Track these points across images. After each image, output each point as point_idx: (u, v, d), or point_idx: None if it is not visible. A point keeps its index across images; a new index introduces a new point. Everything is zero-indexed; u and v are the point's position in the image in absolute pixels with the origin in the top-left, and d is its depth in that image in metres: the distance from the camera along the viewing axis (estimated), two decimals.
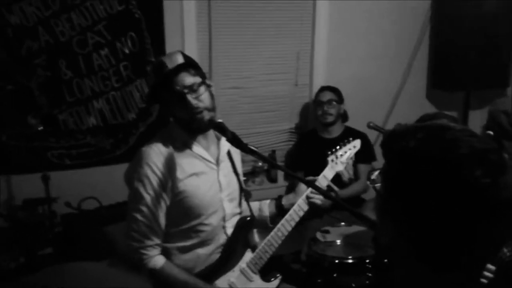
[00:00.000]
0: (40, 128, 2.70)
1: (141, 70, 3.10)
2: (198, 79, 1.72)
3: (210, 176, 1.84)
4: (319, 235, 2.79)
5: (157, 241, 1.76)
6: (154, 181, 1.72)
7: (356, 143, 2.23)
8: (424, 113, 0.83)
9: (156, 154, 1.74)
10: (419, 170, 0.75)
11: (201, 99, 1.71)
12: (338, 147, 2.18)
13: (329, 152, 2.15)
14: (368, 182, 1.94)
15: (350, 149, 2.20)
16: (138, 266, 1.76)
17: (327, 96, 3.40)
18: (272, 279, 2.03)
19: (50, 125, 2.88)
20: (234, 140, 1.63)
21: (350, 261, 2.46)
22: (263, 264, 1.96)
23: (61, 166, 2.98)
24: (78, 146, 3.03)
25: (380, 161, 3.23)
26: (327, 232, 2.84)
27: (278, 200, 2.08)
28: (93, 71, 2.99)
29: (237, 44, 3.40)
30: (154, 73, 1.75)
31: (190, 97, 1.68)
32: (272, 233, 1.93)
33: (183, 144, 1.80)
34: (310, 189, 1.95)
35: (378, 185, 0.92)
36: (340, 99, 3.43)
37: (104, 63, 3.01)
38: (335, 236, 2.78)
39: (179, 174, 1.76)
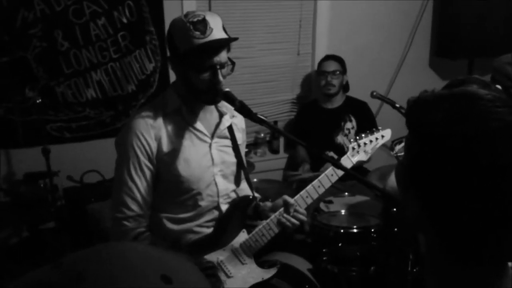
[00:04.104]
0: (39, 100, 2.64)
1: (140, 40, 3.03)
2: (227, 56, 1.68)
3: (200, 149, 1.77)
4: (322, 206, 2.78)
5: (138, 211, 1.69)
6: (138, 150, 1.67)
7: (386, 133, 2.01)
8: (454, 78, 0.75)
9: (144, 122, 1.69)
10: (445, 146, 0.69)
11: (224, 74, 1.66)
12: (363, 135, 1.98)
13: (351, 140, 1.97)
14: (392, 153, 1.87)
15: (377, 138, 1.98)
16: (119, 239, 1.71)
17: (331, 66, 3.32)
18: (268, 266, 1.88)
19: (48, 98, 2.83)
20: (243, 109, 1.57)
21: (355, 230, 2.47)
22: (259, 248, 1.85)
23: (61, 139, 2.93)
24: (78, 119, 2.98)
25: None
26: (331, 202, 2.83)
27: (257, 204, 1.93)
28: (91, 42, 2.92)
29: (237, 12, 3.32)
30: (193, 27, 1.58)
31: (219, 73, 1.63)
32: (272, 217, 1.83)
33: (175, 112, 1.73)
34: (281, 211, 1.82)
35: (401, 154, 0.85)
36: (344, 69, 3.37)
37: (101, 33, 2.93)
38: (339, 206, 2.77)
39: (166, 145, 1.70)
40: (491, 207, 0.67)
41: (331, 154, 3.35)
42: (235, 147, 1.87)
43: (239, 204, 1.89)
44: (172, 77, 2.84)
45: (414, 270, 2.39)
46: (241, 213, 1.88)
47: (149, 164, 1.70)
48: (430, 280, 0.79)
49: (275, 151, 3.64)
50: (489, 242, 0.70)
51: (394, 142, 1.94)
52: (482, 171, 0.66)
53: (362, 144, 1.96)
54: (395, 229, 2.48)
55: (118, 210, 1.70)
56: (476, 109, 0.68)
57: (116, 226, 1.71)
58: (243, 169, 1.92)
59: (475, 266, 0.72)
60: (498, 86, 1.88)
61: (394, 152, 1.87)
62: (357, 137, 1.98)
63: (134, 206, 1.69)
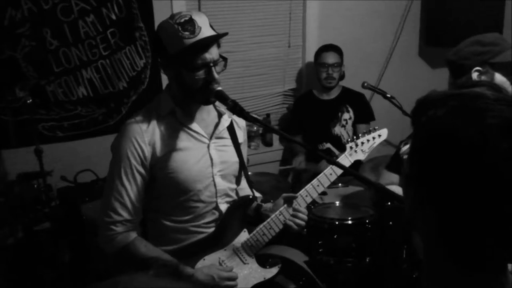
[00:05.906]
0: (29, 100, 2.62)
1: (130, 37, 3.01)
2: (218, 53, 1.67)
3: (198, 150, 1.76)
4: (317, 197, 2.80)
5: (126, 217, 1.70)
6: (131, 156, 1.68)
7: (383, 132, 2.04)
8: (465, 80, 0.75)
9: (137, 127, 1.69)
10: (443, 142, 0.69)
11: (218, 71, 1.66)
12: (360, 135, 2.02)
13: (348, 139, 2.00)
14: (400, 153, 1.89)
15: (374, 137, 2.01)
16: (106, 244, 1.72)
17: (332, 58, 3.26)
18: (270, 266, 1.89)
19: (39, 97, 2.81)
20: (235, 108, 1.57)
21: (350, 222, 2.49)
22: (260, 248, 1.86)
23: (53, 138, 2.92)
24: (70, 118, 2.96)
25: (378, 120, 3.21)
26: (325, 193, 2.85)
27: (258, 205, 1.94)
28: (80, 39, 2.89)
29: (227, 6, 3.30)
30: (181, 28, 1.59)
31: (214, 70, 1.63)
32: (273, 216, 1.83)
33: (169, 115, 1.74)
34: (282, 210, 1.83)
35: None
36: (342, 60, 3.33)
37: (90, 30, 2.91)
38: (333, 197, 2.79)
39: (161, 148, 1.71)
40: (488, 205, 0.66)
41: (328, 145, 3.36)
42: (236, 146, 1.87)
43: (240, 203, 1.89)
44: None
45: (408, 260, 2.42)
46: (242, 212, 1.89)
47: (141, 170, 1.71)
48: (428, 284, 0.78)
49: (268, 143, 3.65)
50: (489, 242, 0.69)
51: (401, 142, 1.95)
52: (480, 166, 0.66)
53: (359, 144, 1.97)
54: (390, 223, 2.50)
55: (107, 215, 1.70)
56: (476, 105, 0.69)
57: (103, 230, 1.72)
58: (243, 168, 1.92)
59: (475, 269, 0.72)
60: (479, 68, 1.76)
61: (401, 152, 1.89)
62: (354, 137, 2.01)
63: (122, 211, 1.70)
